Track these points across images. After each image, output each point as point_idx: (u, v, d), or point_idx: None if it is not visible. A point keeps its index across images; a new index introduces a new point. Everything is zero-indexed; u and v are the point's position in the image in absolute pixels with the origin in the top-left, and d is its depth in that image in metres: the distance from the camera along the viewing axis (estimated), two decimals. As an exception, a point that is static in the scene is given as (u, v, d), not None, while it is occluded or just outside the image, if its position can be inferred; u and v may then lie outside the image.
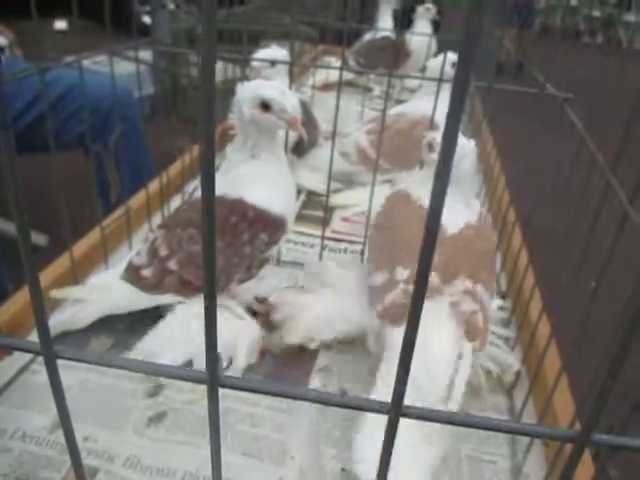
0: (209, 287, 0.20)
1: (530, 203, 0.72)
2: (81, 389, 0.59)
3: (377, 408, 0.22)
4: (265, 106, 0.58)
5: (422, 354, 0.54)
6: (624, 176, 0.47)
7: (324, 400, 0.22)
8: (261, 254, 0.62)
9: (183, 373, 0.22)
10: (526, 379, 0.65)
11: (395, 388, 0.22)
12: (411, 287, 0.61)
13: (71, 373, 0.61)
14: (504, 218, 0.88)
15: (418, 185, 0.69)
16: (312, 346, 0.65)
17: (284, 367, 0.65)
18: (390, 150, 1.00)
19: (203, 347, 0.68)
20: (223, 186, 0.61)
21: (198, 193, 0.63)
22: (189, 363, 0.62)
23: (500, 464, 0.56)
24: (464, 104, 0.18)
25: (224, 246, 0.61)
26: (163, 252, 0.63)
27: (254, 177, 0.62)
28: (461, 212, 0.67)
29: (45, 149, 0.63)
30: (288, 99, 0.58)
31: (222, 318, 0.67)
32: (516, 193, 0.87)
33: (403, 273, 0.60)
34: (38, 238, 1.62)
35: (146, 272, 0.63)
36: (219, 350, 0.66)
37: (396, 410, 0.22)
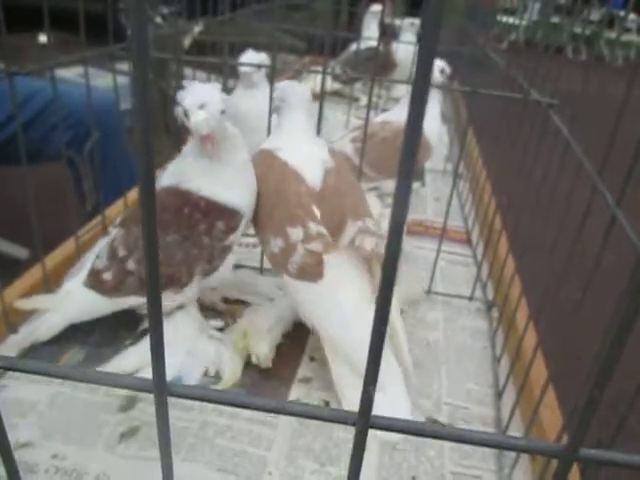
0: (152, 292, 0.18)
1: (516, 210, 0.71)
2: (50, 404, 0.57)
3: (343, 419, 0.20)
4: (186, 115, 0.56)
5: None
6: (610, 182, 0.46)
7: (274, 409, 0.20)
8: (220, 243, 0.60)
9: (130, 382, 0.20)
10: (513, 390, 0.63)
11: (362, 398, 0.20)
12: (311, 245, 0.59)
13: (41, 387, 0.58)
14: (490, 226, 0.87)
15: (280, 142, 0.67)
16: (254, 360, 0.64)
17: (263, 378, 0.63)
18: (375, 158, 0.99)
19: (191, 363, 0.64)
20: (174, 176, 0.61)
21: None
22: (177, 379, 0.60)
23: (485, 479, 0.54)
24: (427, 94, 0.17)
25: (182, 238, 0.59)
26: (122, 253, 0.60)
27: (207, 172, 0.60)
28: (315, 156, 0.65)
29: (29, 161, 0.61)
30: (197, 114, 0.53)
31: (205, 336, 0.66)
32: (502, 200, 0.86)
33: (298, 233, 0.59)
34: (19, 251, 1.59)
35: (107, 275, 0.61)
36: (206, 365, 0.63)
37: (364, 421, 0.20)
